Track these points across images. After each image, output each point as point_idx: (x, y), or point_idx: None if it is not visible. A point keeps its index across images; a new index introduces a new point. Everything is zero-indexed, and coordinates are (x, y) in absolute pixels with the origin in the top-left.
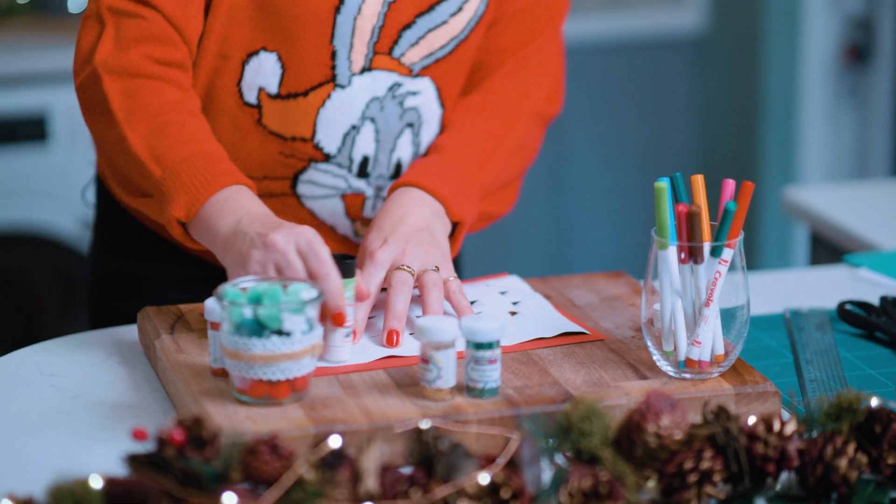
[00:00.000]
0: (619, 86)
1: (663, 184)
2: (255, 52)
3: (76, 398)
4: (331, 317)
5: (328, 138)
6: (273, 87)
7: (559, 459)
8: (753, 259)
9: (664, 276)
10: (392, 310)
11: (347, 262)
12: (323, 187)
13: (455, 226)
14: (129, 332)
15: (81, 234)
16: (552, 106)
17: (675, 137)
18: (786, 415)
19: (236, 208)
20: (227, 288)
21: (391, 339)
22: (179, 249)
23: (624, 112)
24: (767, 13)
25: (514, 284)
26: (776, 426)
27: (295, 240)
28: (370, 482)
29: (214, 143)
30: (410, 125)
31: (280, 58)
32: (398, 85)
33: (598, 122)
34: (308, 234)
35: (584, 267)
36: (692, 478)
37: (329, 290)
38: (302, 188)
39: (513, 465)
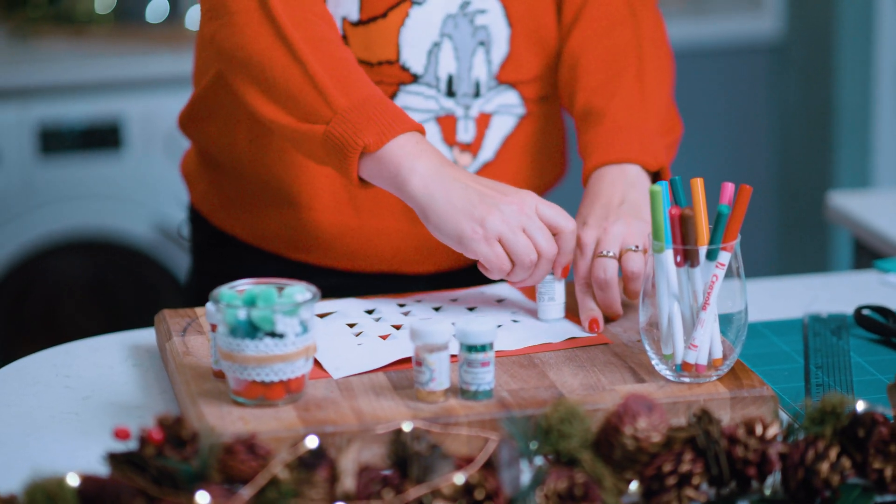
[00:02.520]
0: (697, 91)
1: (658, 187)
2: None
3: (87, 399)
4: (561, 270)
5: (413, 57)
6: (354, 14)
7: (539, 461)
8: (823, 265)
9: (660, 280)
10: (601, 303)
11: None
12: (417, 112)
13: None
14: (148, 335)
15: (156, 239)
16: None
17: (752, 143)
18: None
19: (432, 151)
20: (223, 290)
21: (592, 327)
22: (284, 266)
23: (700, 117)
24: (842, 19)
25: (508, 293)
26: (758, 430)
27: (535, 201)
28: (347, 482)
29: None
30: (482, 43)
31: None
32: (467, 3)
33: None
34: (536, 196)
35: None
36: (671, 480)
37: (569, 247)
38: None
39: (490, 467)
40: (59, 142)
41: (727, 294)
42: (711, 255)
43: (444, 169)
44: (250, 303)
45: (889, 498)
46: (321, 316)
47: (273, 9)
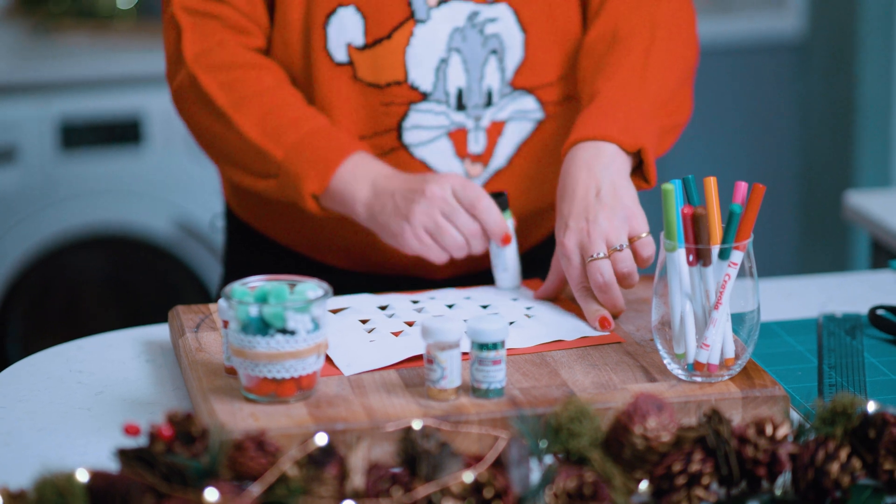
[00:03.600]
0: (719, 89)
1: (671, 186)
2: (333, 11)
3: (99, 394)
4: (500, 240)
5: (421, 76)
6: (359, 39)
7: (549, 460)
8: (843, 264)
9: (672, 279)
10: (605, 304)
11: (499, 199)
12: (428, 129)
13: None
14: (162, 331)
15: (175, 235)
16: None
17: (773, 141)
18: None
19: (367, 172)
20: (234, 287)
21: (603, 325)
22: (308, 266)
23: (722, 115)
24: (864, 18)
25: (523, 291)
26: (768, 430)
27: (450, 184)
28: (357, 480)
29: (323, 117)
30: (494, 52)
31: (358, 8)
32: (476, 13)
33: (696, 125)
34: (455, 177)
35: None
36: (680, 480)
37: (490, 220)
38: (409, 136)
39: (500, 465)
40: (79, 137)
41: (740, 293)
42: (724, 255)
43: (378, 185)
44: (262, 299)
45: None
46: (334, 312)
47: (201, 82)
